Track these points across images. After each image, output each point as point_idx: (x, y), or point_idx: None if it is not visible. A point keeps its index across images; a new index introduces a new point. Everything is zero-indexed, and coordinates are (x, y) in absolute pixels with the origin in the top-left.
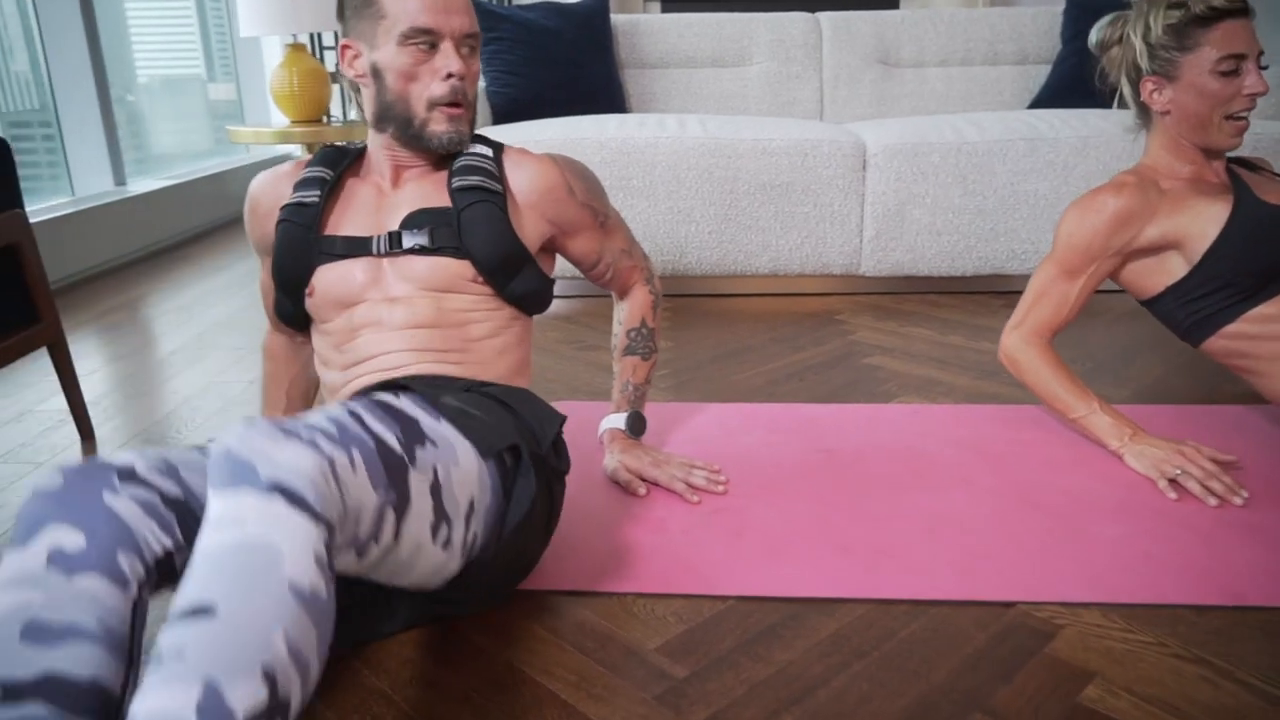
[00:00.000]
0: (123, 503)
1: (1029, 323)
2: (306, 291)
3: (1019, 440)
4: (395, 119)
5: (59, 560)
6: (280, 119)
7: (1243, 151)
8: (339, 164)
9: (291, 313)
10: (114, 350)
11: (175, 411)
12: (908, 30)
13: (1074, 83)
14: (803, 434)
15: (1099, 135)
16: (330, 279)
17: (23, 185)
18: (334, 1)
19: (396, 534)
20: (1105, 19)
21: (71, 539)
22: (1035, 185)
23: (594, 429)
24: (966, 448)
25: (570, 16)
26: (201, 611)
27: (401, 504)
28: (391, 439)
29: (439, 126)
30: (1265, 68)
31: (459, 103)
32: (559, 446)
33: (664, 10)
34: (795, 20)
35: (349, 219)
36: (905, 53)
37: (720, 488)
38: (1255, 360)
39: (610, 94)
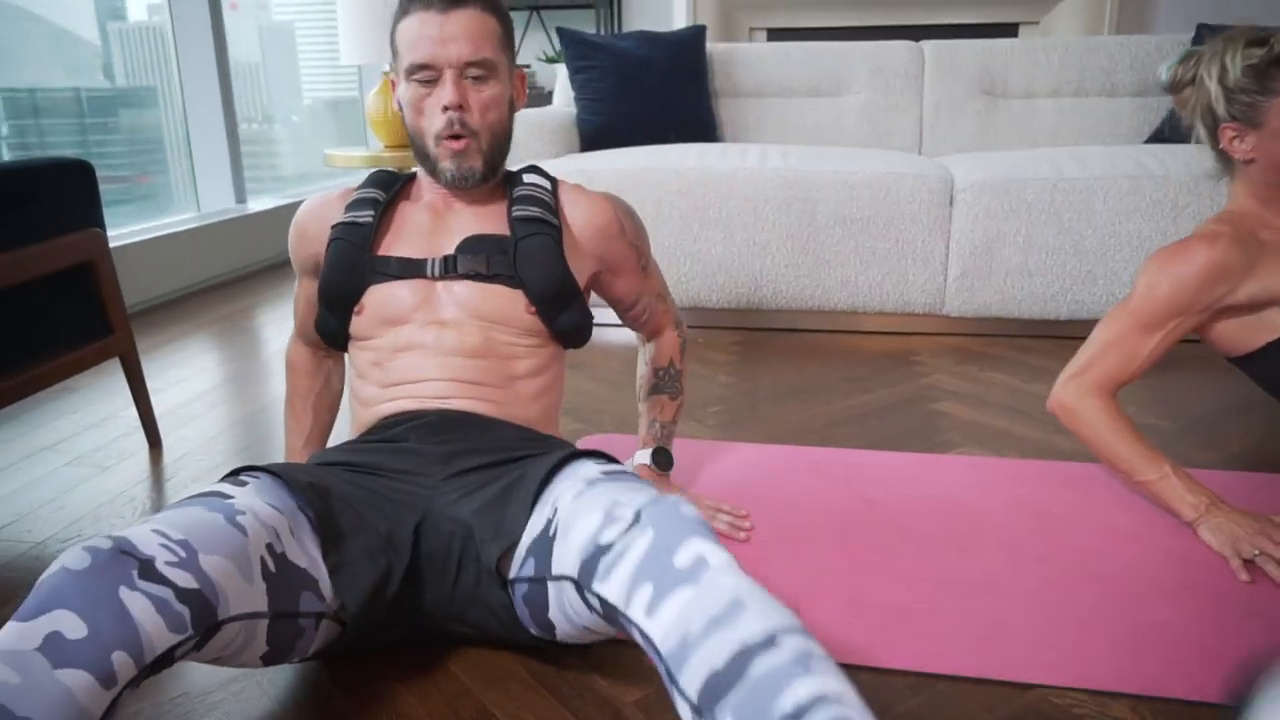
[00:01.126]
0: (137, 600)
1: (1092, 374)
2: (355, 309)
3: (1080, 502)
4: (416, 153)
5: (52, 646)
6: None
7: None
8: (391, 186)
9: (334, 330)
10: (218, 355)
11: (243, 421)
12: (1017, 59)
13: None
14: (846, 481)
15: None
16: (381, 297)
17: (160, 201)
18: None
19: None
20: (1176, 57)
21: (75, 627)
22: (1139, 226)
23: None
24: (1019, 507)
25: (665, 45)
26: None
27: None
28: None
29: (444, 162)
30: None
31: (459, 134)
32: None
33: (769, 39)
34: (896, 49)
35: (402, 240)
36: (1014, 83)
37: (742, 534)
38: None
39: (701, 123)
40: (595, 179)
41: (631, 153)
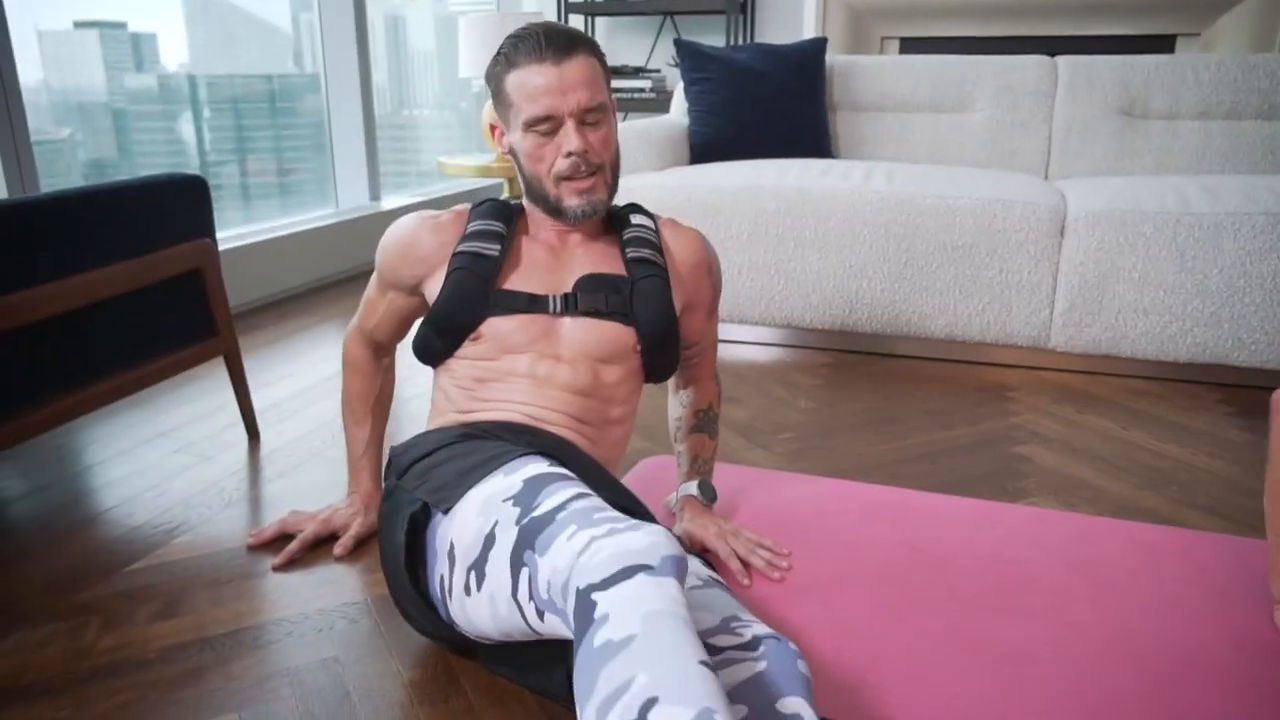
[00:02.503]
0: None
1: None
2: (472, 337)
3: (1146, 571)
4: (534, 195)
5: None
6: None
7: None
8: (510, 219)
9: (438, 351)
10: (331, 350)
11: (331, 423)
12: (1161, 77)
13: None
14: (899, 525)
15: None
16: (505, 329)
17: (305, 198)
18: None
19: None
20: None
21: None
22: (1274, 266)
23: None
24: (1077, 570)
25: (782, 58)
26: None
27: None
28: None
29: (571, 201)
30: None
31: (584, 174)
32: None
33: (902, 50)
34: (1028, 64)
35: (524, 275)
36: (1155, 103)
37: (777, 574)
38: None
39: (815, 137)
40: (695, 195)
41: (733, 169)
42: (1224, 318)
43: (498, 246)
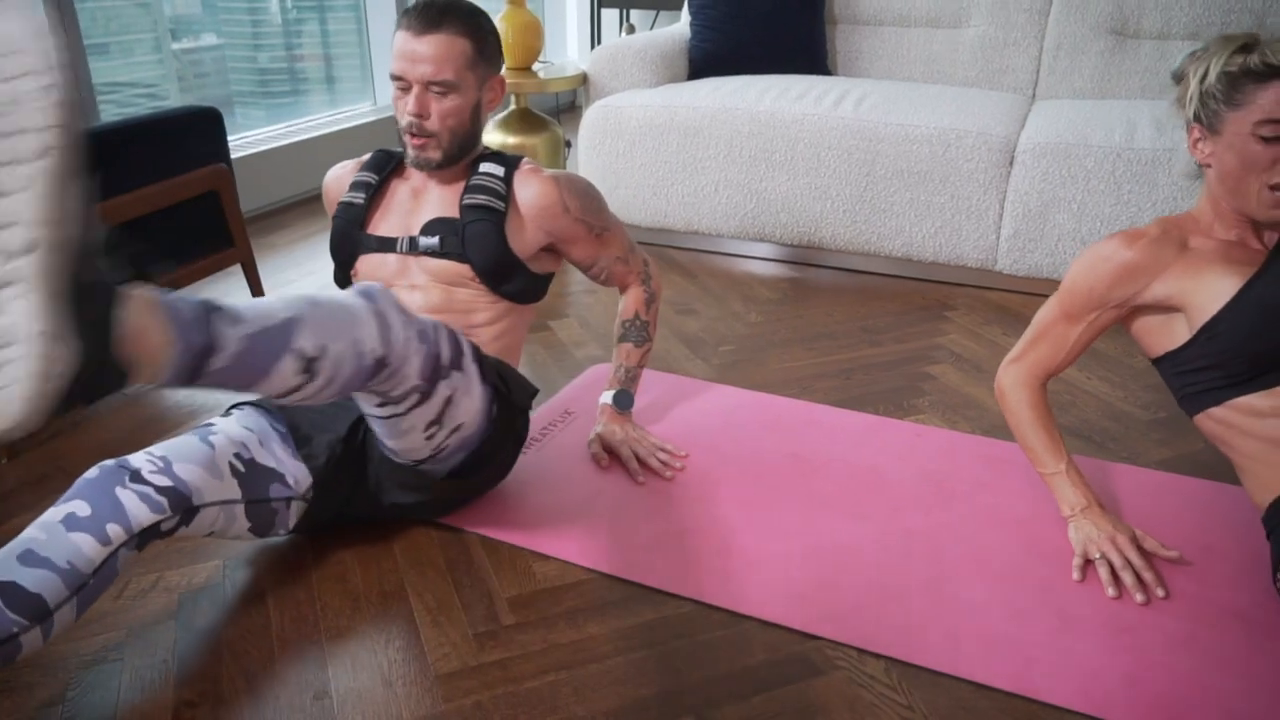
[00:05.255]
0: (126, 494)
1: (1027, 361)
2: (352, 272)
3: (989, 484)
4: (398, 138)
5: (68, 521)
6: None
7: None
8: (385, 168)
9: (341, 280)
10: None
11: None
12: None
13: None
14: (791, 435)
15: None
16: (370, 265)
17: (345, 93)
18: None
19: (406, 411)
20: (1195, 49)
21: (83, 510)
22: None
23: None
24: (927, 480)
25: None
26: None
27: (422, 398)
28: (446, 357)
29: (410, 151)
30: None
31: (417, 134)
32: (525, 414)
33: None
34: None
35: (386, 218)
36: (1147, 22)
37: (668, 473)
38: (1236, 453)
39: (812, 52)
40: (677, 115)
41: (719, 88)
42: None
43: (363, 195)
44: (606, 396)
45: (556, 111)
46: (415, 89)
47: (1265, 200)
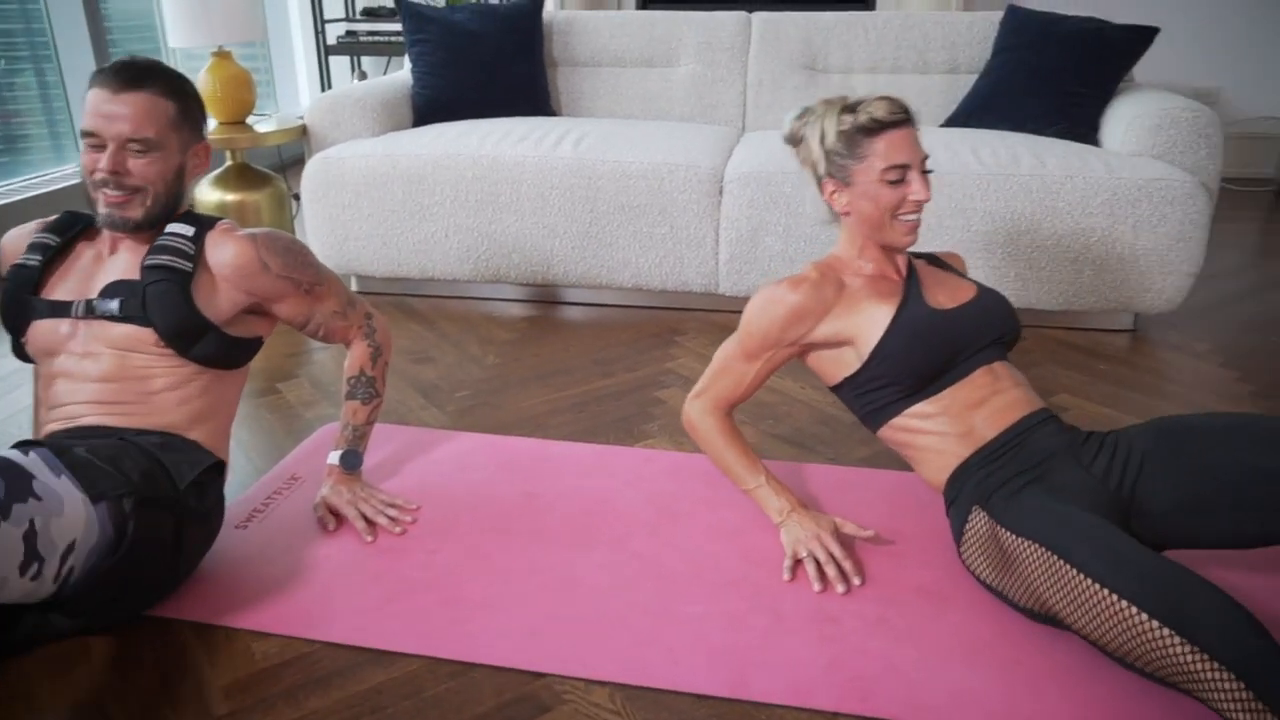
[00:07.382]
0: None
1: (710, 394)
2: (22, 339)
3: (708, 501)
4: (86, 196)
5: None
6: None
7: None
8: (70, 229)
9: (18, 350)
10: None
11: None
12: (837, 35)
13: (992, 99)
14: (524, 474)
15: (962, 172)
16: (39, 331)
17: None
18: (252, 12)
19: None
20: (794, 111)
21: None
22: None
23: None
24: (653, 503)
25: (499, 17)
26: None
27: None
28: None
29: (101, 209)
30: (929, 171)
31: (119, 187)
32: (204, 489)
33: (639, 6)
34: (726, 21)
35: (64, 282)
36: (833, 58)
37: (398, 528)
38: (914, 450)
39: (533, 94)
40: (399, 164)
41: (441, 134)
42: None
43: (39, 258)
44: (333, 457)
45: (282, 166)
46: (111, 146)
47: (900, 229)
